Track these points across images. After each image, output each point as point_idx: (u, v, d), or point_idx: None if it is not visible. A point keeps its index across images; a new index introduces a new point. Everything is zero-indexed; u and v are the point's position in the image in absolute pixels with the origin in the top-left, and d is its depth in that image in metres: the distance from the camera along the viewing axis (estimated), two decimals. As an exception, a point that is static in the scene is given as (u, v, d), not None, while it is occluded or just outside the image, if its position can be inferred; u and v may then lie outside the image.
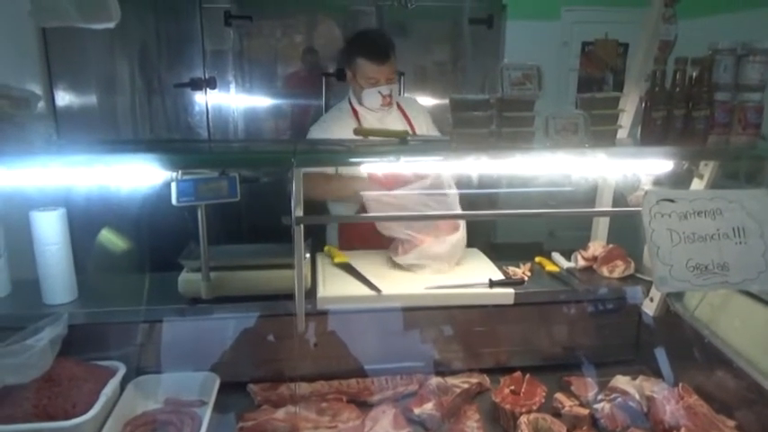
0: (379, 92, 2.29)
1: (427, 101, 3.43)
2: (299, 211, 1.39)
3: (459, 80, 3.48)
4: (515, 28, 3.50)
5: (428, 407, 1.58)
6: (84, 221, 1.84)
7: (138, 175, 1.44)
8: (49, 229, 1.66)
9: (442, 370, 1.78)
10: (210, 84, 3.22)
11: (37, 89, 2.79)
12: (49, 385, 1.45)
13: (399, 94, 3.19)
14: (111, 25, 1.59)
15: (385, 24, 3.31)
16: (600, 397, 1.65)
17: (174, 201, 1.53)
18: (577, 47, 4.41)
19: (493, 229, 3.85)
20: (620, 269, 1.93)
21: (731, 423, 1.48)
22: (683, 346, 1.71)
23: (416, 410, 1.58)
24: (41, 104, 1.43)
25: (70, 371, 1.51)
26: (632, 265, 1.94)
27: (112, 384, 1.53)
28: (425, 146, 1.55)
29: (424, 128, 2.47)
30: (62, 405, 1.42)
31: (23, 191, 1.40)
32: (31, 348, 1.44)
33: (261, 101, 3.34)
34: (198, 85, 3.21)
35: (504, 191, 1.70)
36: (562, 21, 4.52)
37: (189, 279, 1.69)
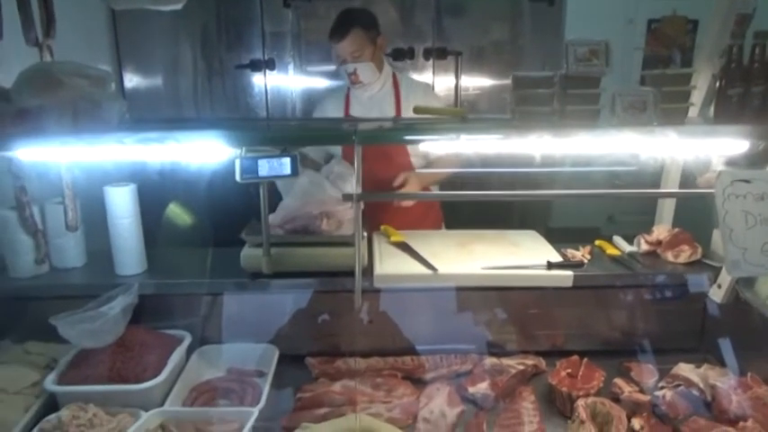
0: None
1: (484, 81, 3.38)
2: (359, 188, 1.41)
3: (518, 60, 3.40)
4: (577, 5, 3.37)
5: (483, 386, 1.58)
6: (153, 197, 1.93)
7: (205, 153, 1.49)
8: (121, 204, 1.75)
9: (496, 351, 1.78)
10: (269, 65, 3.28)
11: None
12: (122, 350, 1.54)
13: (429, 75, 3.13)
14: (179, 6, 1.64)
15: (442, 3, 3.26)
16: (661, 384, 1.61)
17: (238, 178, 1.57)
18: (643, 24, 4.22)
19: (548, 212, 3.77)
20: (686, 254, 1.85)
21: (803, 416, 1.42)
22: (752, 335, 1.64)
23: (471, 389, 1.58)
24: (113, 84, 1.50)
25: (141, 338, 1.59)
26: (699, 250, 1.87)
27: (179, 352, 1.61)
28: (486, 124, 1.53)
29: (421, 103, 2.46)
30: (134, 369, 1.51)
31: (100, 166, 1.47)
32: (104, 315, 1.52)
33: (318, 82, 3.38)
34: (257, 66, 3.28)
35: (566, 170, 1.65)
36: (627, -3, 4.33)
37: (250, 254, 1.75)
